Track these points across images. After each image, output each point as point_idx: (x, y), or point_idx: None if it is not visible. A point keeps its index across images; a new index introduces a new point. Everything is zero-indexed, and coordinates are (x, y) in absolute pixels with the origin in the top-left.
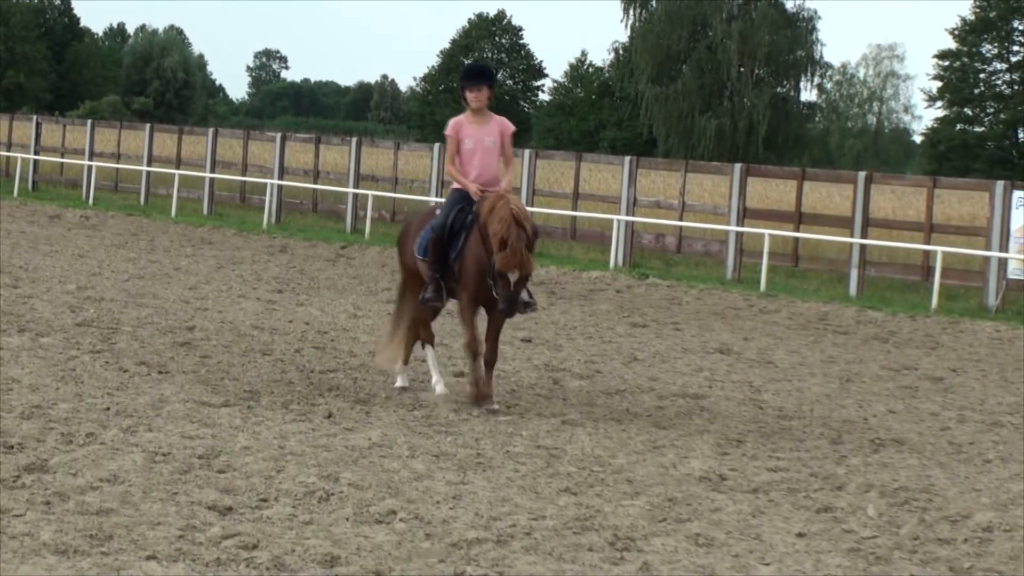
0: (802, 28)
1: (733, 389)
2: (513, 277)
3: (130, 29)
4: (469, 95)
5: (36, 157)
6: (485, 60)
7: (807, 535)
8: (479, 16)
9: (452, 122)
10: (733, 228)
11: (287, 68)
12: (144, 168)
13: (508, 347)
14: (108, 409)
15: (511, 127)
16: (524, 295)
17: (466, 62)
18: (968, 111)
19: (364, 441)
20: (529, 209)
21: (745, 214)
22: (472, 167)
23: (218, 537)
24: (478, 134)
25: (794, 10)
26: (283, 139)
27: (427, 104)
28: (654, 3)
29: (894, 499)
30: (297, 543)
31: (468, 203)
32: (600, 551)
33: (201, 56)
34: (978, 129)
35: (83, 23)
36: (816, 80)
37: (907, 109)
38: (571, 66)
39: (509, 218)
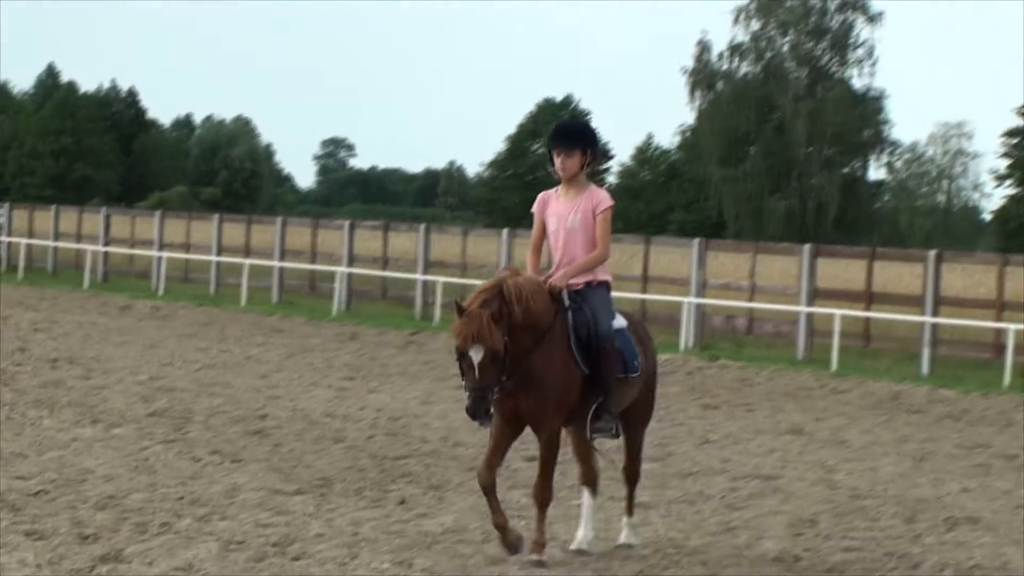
0: (870, 107)
1: (806, 469)
2: (475, 355)
3: (197, 120)
4: (557, 161)
5: (106, 249)
6: (582, 117)
7: None
8: (546, 101)
9: (540, 196)
10: (803, 308)
11: (354, 156)
12: (213, 258)
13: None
14: (182, 498)
15: (606, 202)
16: (605, 421)
17: (560, 121)
18: None
19: (437, 527)
20: None
21: (815, 294)
22: (557, 251)
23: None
24: (565, 211)
25: (862, 89)
26: (351, 227)
27: (494, 190)
28: (721, 85)
29: None
30: None
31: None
32: None
33: (269, 145)
34: None
35: (150, 114)
36: (885, 159)
37: (976, 187)
38: (638, 149)
39: (492, 287)
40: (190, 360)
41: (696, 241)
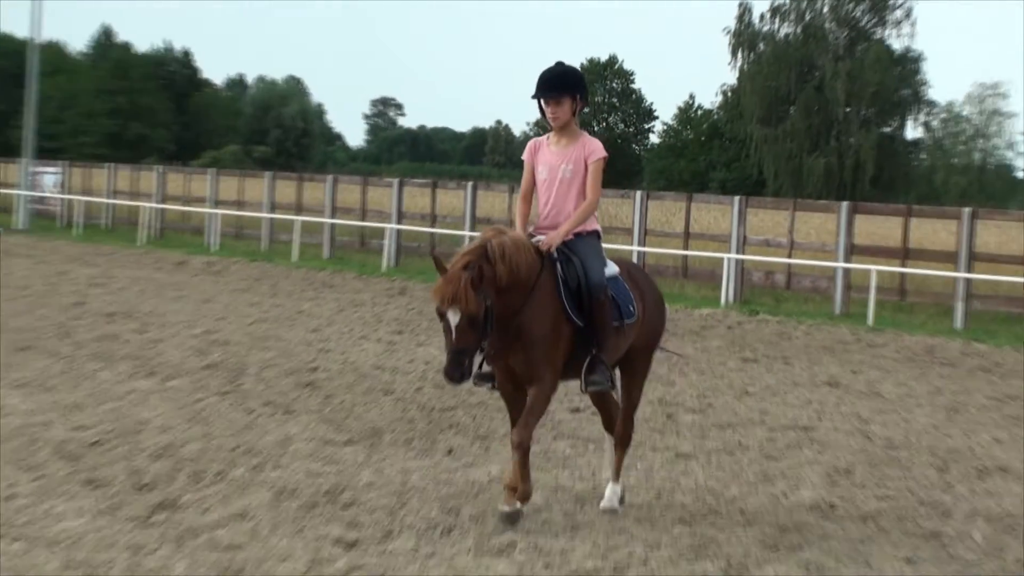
0: (908, 67)
1: (842, 421)
2: (452, 318)
3: (250, 80)
4: (548, 110)
5: (161, 206)
6: (568, 65)
7: (915, 561)
8: (591, 61)
9: (530, 144)
10: (841, 264)
11: (403, 115)
12: (266, 215)
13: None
14: (236, 448)
15: (599, 151)
16: (599, 373)
17: (545, 68)
18: None
19: (484, 476)
20: (640, 249)
21: (852, 250)
22: (546, 202)
23: (344, 570)
24: (556, 160)
25: (900, 50)
26: (400, 184)
27: None
28: (762, 46)
29: (999, 525)
30: (421, 574)
31: None
32: None
33: (320, 105)
34: None
35: (204, 74)
36: (922, 118)
37: (1011, 146)
38: (680, 109)
39: (477, 248)
40: (243, 314)
41: (736, 198)
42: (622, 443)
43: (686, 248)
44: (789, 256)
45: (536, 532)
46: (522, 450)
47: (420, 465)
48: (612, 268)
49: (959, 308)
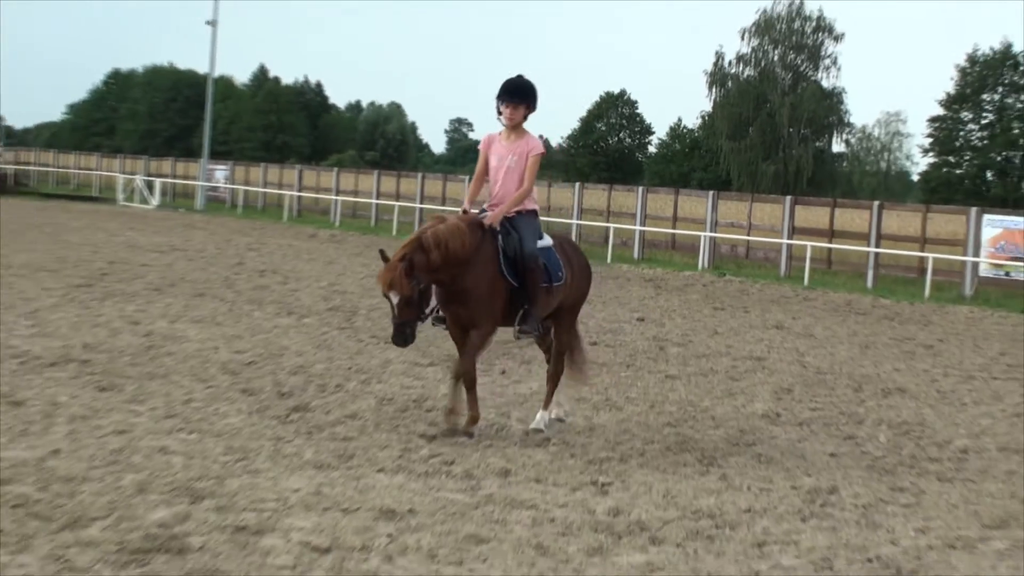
0: (834, 99)
1: (785, 353)
2: (393, 298)
3: (364, 104)
4: (504, 111)
5: (299, 194)
6: (524, 77)
7: (837, 455)
8: (607, 93)
9: (485, 136)
10: (785, 241)
11: (472, 130)
12: (374, 201)
13: (627, 324)
14: (350, 368)
15: (538, 148)
16: (529, 323)
17: (508, 78)
18: (951, 159)
19: (527, 390)
20: (641, 228)
21: (793, 231)
22: (496, 185)
23: (427, 456)
24: (505, 152)
25: (829, 87)
26: (470, 180)
27: (570, 155)
28: (730, 83)
29: (898, 430)
30: (481, 460)
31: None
32: (692, 466)
33: (413, 123)
34: (958, 171)
35: (331, 99)
36: (844, 136)
37: (908, 158)
38: (671, 127)
39: (414, 240)
40: (357, 272)
41: (711, 193)
42: (553, 379)
43: (674, 228)
44: (748, 234)
45: (565, 431)
46: (468, 379)
47: (482, 381)
48: (547, 240)
49: (870, 274)
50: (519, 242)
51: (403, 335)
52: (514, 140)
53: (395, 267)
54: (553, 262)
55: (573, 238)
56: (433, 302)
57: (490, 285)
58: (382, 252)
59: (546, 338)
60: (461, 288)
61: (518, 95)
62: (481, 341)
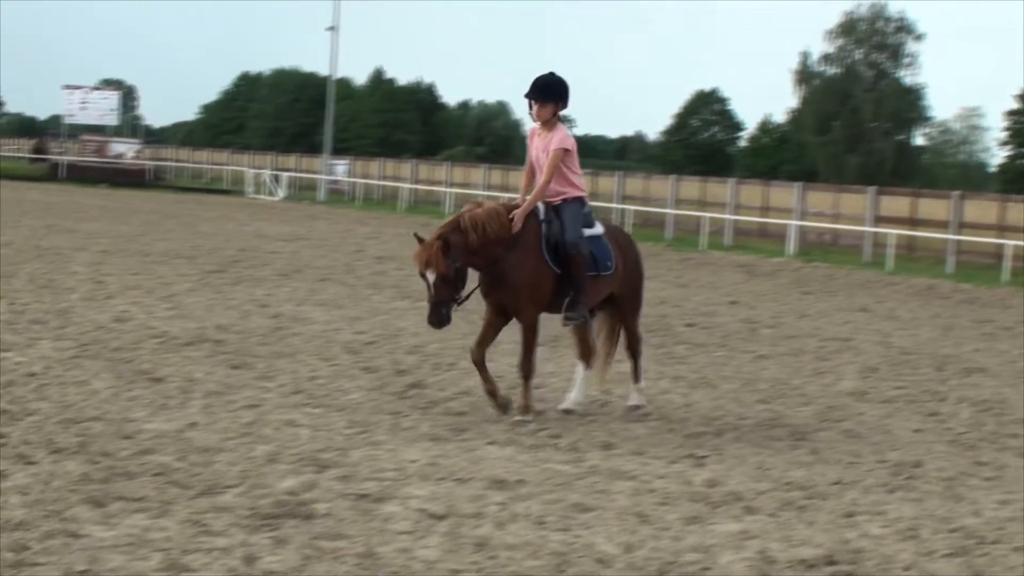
0: (915, 95)
1: (870, 335)
2: (429, 277)
3: (473, 102)
4: (534, 109)
5: (413, 186)
6: (556, 75)
7: (922, 430)
8: (700, 92)
9: (531, 130)
10: (869, 229)
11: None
12: (483, 193)
13: (721, 307)
14: (462, 347)
15: (562, 143)
16: (576, 311)
17: (538, 75)
18: None
19: (628, 368)
20: (732, 217)
21: (877, 219)
22: (538, 176)
23: (534, 430)
24: (540, 145)
25: (909, 84)
26: None
27: (666, 149)
28: (816, 81)
29: (980, 408)
30: (585, 434)
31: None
32: (783, 440)
33: (518, 119)
34: None
35: (443, 99)
36: (924, 130)
37: (986, 150)
38: (761, 123)
39: (451, 221)
40: None
41: (798, 184)
42: (634, 356)
43: (764, 217)
44: (835, 223)
45: (663, 407)
46: (528, 379)
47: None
48: (598, 229)
49: (950, 260)
50: (560, 230)
51: (439, 314)
52: (546, 134)
53: (432, 245)
54: (602, 251)
55: (669, 228)
56: (471, 286)
57: (532, 272)
58: (416, 235)
59: (584, 330)
60: (501, 273)
61: (546, 94)
62: (531, 335)
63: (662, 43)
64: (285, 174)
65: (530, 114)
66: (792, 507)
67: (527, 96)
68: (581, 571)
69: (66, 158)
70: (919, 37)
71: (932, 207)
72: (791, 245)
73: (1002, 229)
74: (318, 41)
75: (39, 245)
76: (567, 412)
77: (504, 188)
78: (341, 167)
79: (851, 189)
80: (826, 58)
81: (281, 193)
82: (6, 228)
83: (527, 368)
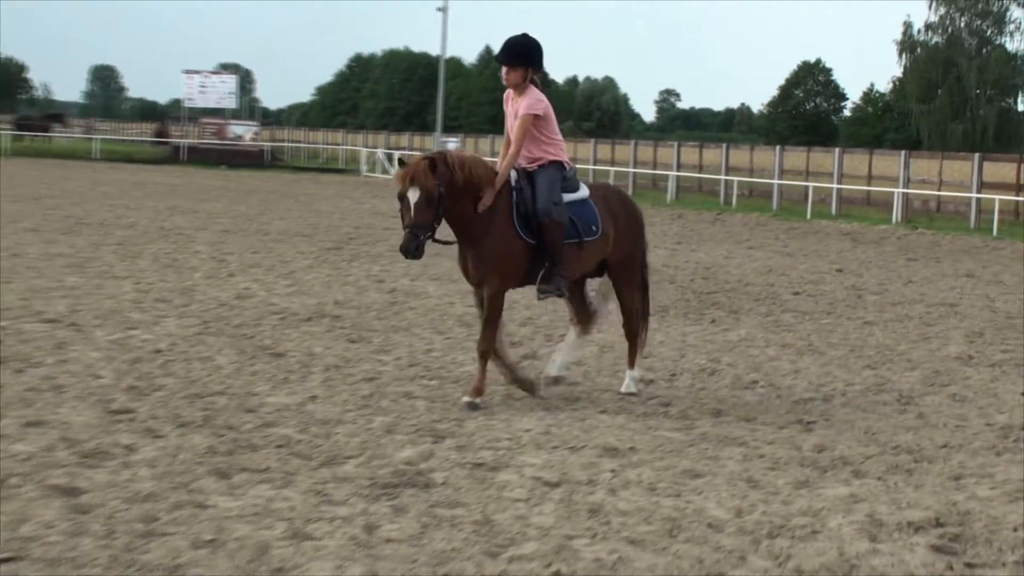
0: (1020, 62)
1: (976, 300)
2: (412, 196)
3: (580, 78)
4: (503, 72)
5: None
6: (527, 36)
7: None
8: (804, 63)
9: (505, 94)
10: (974, 195)
11: (680, 100)
12: (591, 167)
13: (827, 275)
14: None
15: (526, 108)
16: (551, 283)
17: (508, 37)
18: None
19: (735, 337)
20: (837, 186)
21: (981, 186)
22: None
23: (645, 398)
24: (512, 110)
25: (1014, 51)
26: (678, 147)
27: (771, 121)
28: (919, 49)
29: None
30: (695, 402)
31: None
32: (890, 405)
33: (626, 95)
34: None
35: (551, 75)
36: None
37: None
38: (864, 92)
39: (436, 152)
40: None
41: (903, 152)
42: (630, 338)
43: (869, 185)
44: (939, 190)
45: (772, 374)
46: (485, 358)
47: (693, 330)
48: (582, 192)
49: None
50: (531, 198)
51: (416, 240)
52: (518, 98)
53: (417, 163)
54: (586, 216)
55: (775, 198)
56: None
57: (500, 242)
58: (400, 158)
59: (577, 298)
60: (473, 238)
61: (513, 56)
62: (494, 309)
63: (767, 15)
64: (398, 152)
65: (500, 77)
66: (900, 471)
67: (496, 59)
68: (693, 535)
69: (186, 141)
70: (1023, 3)
71: None
72: (896, 213)
73: None
74: (428, 21)
75: (162, 226)
76: (556, 380)
77: (612, 162)
78: (453, 144)
79: (955, 156)
80: (929, 27)
81: (395, 171)
82: (131, 210)
83: (484, 345)
